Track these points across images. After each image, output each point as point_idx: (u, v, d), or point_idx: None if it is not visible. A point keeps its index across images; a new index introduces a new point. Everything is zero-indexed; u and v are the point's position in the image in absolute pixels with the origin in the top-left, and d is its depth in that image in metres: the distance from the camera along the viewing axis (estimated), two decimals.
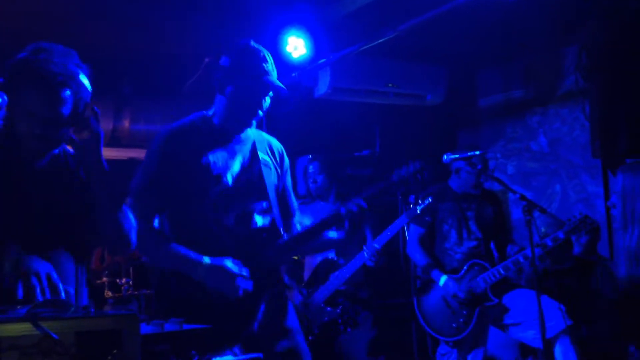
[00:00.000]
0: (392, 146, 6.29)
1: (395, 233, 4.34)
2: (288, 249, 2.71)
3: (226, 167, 2.66)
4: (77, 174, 2.29)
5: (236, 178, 2.67)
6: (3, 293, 1.87)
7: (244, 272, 2.46)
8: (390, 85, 5.74)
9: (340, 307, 4.43)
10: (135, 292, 5.56)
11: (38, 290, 1.80)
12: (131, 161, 5.93)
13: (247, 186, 2.69)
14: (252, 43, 2.71)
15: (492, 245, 4.57)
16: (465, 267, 4.38)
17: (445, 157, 4.57)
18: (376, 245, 4.32)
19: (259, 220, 2.70)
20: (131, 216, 2.25)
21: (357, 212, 2.72)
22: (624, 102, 4.98)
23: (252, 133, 2.81)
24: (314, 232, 2.77)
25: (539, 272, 3.89)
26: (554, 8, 4.86)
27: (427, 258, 4.51)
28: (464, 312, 4.31)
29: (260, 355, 1.84)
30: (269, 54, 2.73)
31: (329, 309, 4.42)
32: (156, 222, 2.63)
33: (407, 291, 5.02)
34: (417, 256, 4.58)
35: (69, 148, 2.28)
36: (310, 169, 4.91)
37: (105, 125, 5.64)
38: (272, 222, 2.76)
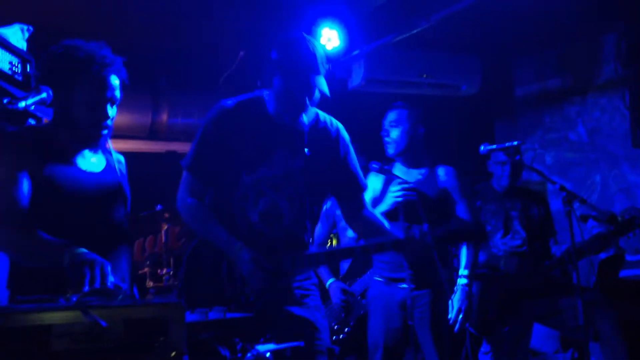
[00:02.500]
0: (426, 137, 6.24)
1: None
2: (315, 263, 2.61)
3: (264, 157, 2.59)
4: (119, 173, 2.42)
5: (273, 170, 2.60)
6: (58, 280, 1.94)
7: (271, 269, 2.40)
8: (424, 75, 5.70)
9: None
10: (177, 282, 5.62)
11: (88, 278, 1.85)
12: (169, 154, 6.00)
13: (281, 182, 2.62)
14: (304, 36, 2.61)
15: (537, 244, 4.51)
16: (509, 265, 4.33)
17: (482, 147, 4.54)
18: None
19: (286, 220, 2.62)
20: None
21: (417, 241, 2.58)
22: None
23: (306, 120, 2.69)
24: (356, 253, 2.66)
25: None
26: None
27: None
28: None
29: (302, 343, 1.86)
30: (320, 46, 2.63)
31: (364, 301, 4.37)
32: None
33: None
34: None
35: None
36: None
37: (144, 120, 5.72)
38: (300, 224, 2.67)
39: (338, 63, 5.20)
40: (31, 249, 2.07)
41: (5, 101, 1.91)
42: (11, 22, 3.21)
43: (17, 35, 3.19)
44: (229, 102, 2.64)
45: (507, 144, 4.32)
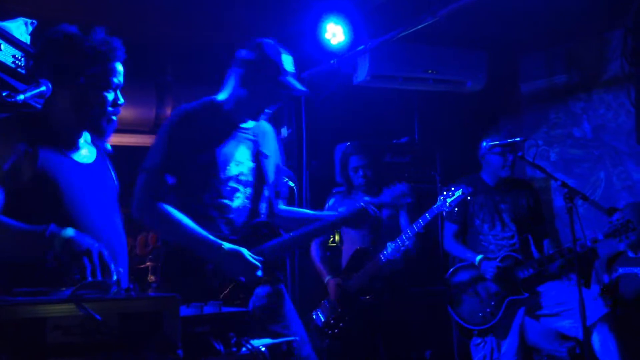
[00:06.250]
0: (431, 133, 6.25)
1: (427, 222, 4.25)
2: (286, 248, 2.77)
3: (232, 156, 2.76)
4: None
5: (242, 167, 2.78)
6: (52, 272, 1.93)
7: (258, 262, 2.57)
8: (429, 71, 5.68)
9: (372, 295, 4.42)
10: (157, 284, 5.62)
11: (89, 270, 1.85)
12: None
13: (251, 177, 2.80)
14: (275, 42, 2.87)
15: (529, 237, 4.49)
16: (498, 259, 4.32)
17: (484, 143, 4.54)
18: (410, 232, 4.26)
19: (259, 214, 2.81)
20: None
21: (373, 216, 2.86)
22: None
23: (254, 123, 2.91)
24: (319, 232, 2.86)
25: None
26: None
27: (465, 249, 4.49)
28: (492, 302, 4.28)
29: (297, 338, 1.87)
30: (290, 56, 2.85)
31: (361, 297, 4.42)
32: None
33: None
34: (456, 251, 4.57)
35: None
36: (357, 161, 4.77)
37: (148, 113, 5.73)
38: (269, 214, 2.88)
39: (343, 58, 5.19)
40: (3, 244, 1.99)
41: (4, 94, 1.90)
42: (15, 16, 3.22)
43: (20, 29, 3.20)
44: (183, 107, 2.85)
45: (509, 140, 4.33)
